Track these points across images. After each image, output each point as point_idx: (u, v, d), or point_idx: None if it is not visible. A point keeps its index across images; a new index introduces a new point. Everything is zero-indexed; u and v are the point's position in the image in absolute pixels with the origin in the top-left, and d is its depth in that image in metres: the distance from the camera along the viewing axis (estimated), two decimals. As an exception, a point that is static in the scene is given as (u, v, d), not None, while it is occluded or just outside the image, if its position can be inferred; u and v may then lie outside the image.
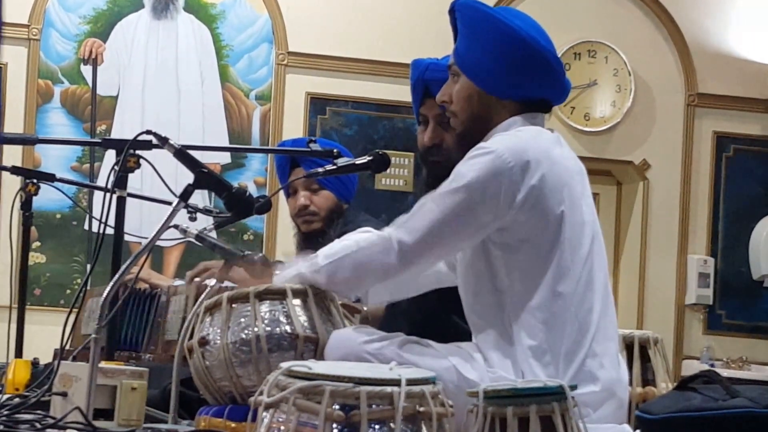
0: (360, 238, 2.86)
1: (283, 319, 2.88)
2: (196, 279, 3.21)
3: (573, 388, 2.18)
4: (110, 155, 6.74)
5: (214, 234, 3.29)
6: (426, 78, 3.35)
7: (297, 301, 2.89)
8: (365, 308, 3.41)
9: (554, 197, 2.70)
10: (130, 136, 3.19)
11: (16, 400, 3.06)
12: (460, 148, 2.85)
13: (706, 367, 7.27)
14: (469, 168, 2.72)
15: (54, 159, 7.05)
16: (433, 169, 3.31)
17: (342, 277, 2.83)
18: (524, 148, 2.71)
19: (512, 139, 2.75)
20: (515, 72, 2.81)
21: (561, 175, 2.74)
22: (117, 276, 2.89)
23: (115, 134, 7.08)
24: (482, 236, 2.74)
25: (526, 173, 2.68)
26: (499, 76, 2.82)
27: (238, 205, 3.08)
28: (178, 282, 3.93)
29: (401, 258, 2.74)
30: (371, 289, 3.02)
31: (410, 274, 2.84)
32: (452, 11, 2.93)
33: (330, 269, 2.84)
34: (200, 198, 6.77)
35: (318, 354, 2.81)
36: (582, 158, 2.94)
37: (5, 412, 2.84)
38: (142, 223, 6.53)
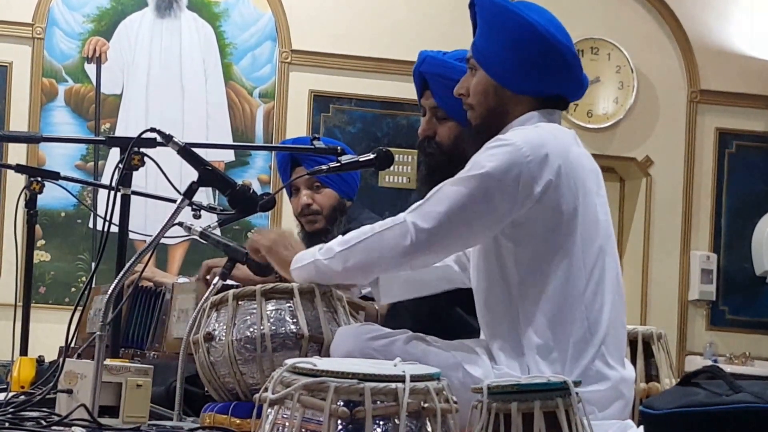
0: (376, 224, 2.81)
1: (288, 318, 2.88)
2: (208, 277, 3.21)
3: (577, 384, 2.18)
4: (114, 153, 6.77)
5: (218, 231, 3.30)
6: (422, 70, 3.34)
7: (303, 301, 2.89)
8: (377, 306, 3.39)
9: (569, 194, 2.69)
10: (134, 134, 3.20)
11: (22, 397, 3.07)
12: (476, 141, 2.81)
13: (709, 362, 7.27)
14: (487, 158, 2.69)
15: (58, 157, 7.07)
16: (427, 160, 3.28)
17: (356, 262, 2.78)
18: (542, 143, 2.69)
19: (530, 133, 2.74)
20: (532, 67, 2.79)
21: (577, 173, 2.72)
22: (122, 273, 2.90)
23: (119, 132, 7.08)
24: (497, 228, 2.70)
25: (544, 167, 2.66)
26: (515, 71, 2.80)
27: (242, 203, 3.09)
28: (182, 279, 3.93)
29: (416, 242, 2.69)
30: (383, 286, 2.98)
31: (423, 261, 2.78)
32: (472, 5, 2.91)
33: (344, 255, 2.79)
34: (204, 195, 6.77)
35: (322, 354, 2.80)
36: (585, 155, 2.93)
37: (11, 410, 2.84)
38: (146, 220, 6.53)
